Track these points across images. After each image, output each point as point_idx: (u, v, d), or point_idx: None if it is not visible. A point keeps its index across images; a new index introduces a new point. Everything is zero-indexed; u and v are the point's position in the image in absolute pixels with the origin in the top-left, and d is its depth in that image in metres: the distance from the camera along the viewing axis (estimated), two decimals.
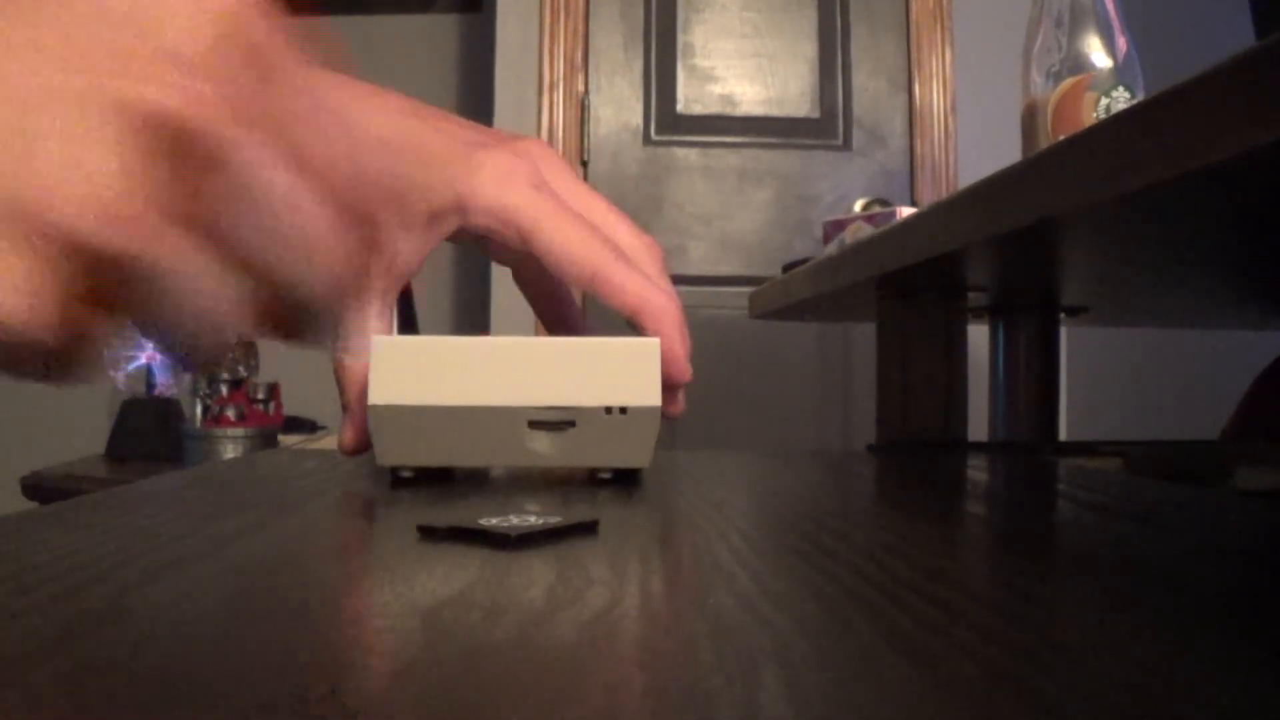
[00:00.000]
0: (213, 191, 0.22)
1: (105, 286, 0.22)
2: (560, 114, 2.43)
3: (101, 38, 0.22)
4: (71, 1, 0.23)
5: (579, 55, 2.45)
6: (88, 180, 0.21)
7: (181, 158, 0.22)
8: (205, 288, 0.24)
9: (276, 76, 0.24)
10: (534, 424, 0.42)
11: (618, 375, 0.42)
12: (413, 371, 0.41)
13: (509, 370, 0.41)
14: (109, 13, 0.23)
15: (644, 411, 0.42)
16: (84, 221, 0.21)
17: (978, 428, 1.03)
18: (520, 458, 0.43)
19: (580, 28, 2.45)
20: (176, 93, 0.22)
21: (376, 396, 0.41)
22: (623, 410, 0.42)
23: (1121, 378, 2.31)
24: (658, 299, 0.43)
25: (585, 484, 0.44)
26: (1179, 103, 0.38)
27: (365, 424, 0.43)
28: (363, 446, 0.45)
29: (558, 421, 0.42)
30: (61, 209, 0.21)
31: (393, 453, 0.43)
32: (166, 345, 0.24)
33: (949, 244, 0.65)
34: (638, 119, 2.47)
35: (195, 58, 0.22)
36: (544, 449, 0.43)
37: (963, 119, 2.45)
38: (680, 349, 0.43)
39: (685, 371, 0.44)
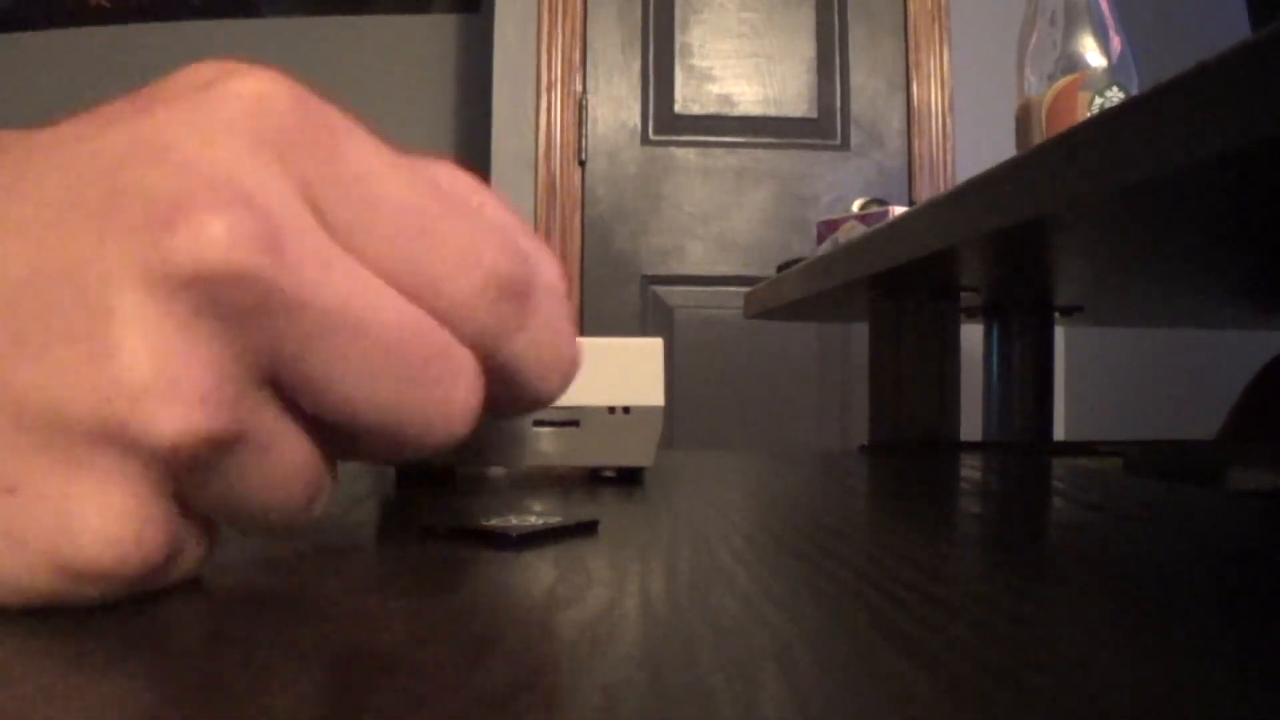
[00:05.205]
0: (287, 335, 0.18)
1: (194, 486, 0.19)
2: (558, 114, 2.43)
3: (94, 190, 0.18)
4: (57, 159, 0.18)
5: (577, 55, 2.45)
6: (160, 375, 0.17)
7: (239, 310, 0.17)
8: (291, 454, 0.19)
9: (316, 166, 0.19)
10: (538, 423, 0.42)
11: (621, 375, 0.42)
12: None
13: None
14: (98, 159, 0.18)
15: (647, 411, 0.42)
16: (175, 422, 0.17)
17: (972, 428, 1.03)
18: (525, 457, 0.43)
19: (578, 28, 2.45)
20: (206, 238, 0.17)
21: None
22: (626, 410, 0.42)
23: (1120, 378, 2.31)
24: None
25: (586, 484, 0.44)
26: (1169, 98, 0.38)
27: None
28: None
29: (561, 421, 0.42)
30: (154, 416, 0.17)
31: None
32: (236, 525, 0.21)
33: (938, 243, 0.65)
34: (636, 119, 2.47)
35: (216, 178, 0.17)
36: (548, 448, 0.43)
37: (961, 119, 2.45)
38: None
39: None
